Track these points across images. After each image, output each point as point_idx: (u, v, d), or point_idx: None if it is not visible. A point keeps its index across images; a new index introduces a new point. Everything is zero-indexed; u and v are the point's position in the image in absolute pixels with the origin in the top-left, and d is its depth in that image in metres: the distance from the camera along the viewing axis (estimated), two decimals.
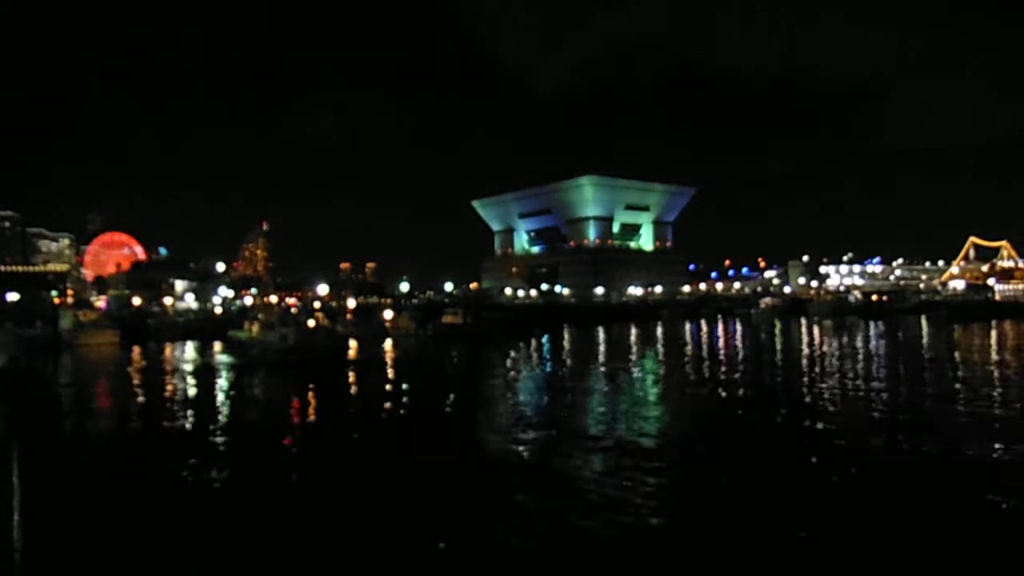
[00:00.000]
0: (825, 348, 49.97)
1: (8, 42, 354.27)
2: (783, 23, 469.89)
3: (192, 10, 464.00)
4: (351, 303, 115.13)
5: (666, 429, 22.10)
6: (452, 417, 25.31)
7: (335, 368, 40.07)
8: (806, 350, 49.16)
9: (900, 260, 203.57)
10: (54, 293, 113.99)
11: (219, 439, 21.62)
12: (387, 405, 28.25)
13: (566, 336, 72.36)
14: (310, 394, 31.72)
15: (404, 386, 34.14)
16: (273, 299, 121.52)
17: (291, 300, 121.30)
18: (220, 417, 26.07)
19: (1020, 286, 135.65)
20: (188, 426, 24.05)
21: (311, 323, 52.64)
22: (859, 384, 29.91)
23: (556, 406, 27.27)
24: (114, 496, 15.16)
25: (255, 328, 51.08)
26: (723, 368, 38.25)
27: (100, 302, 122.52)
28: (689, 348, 53.70)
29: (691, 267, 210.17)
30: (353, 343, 59.99)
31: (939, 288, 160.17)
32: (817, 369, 36.27)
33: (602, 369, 39.31)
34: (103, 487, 16.05)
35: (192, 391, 33.58)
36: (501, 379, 35.88)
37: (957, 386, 29.14)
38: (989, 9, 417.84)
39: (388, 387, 34.08)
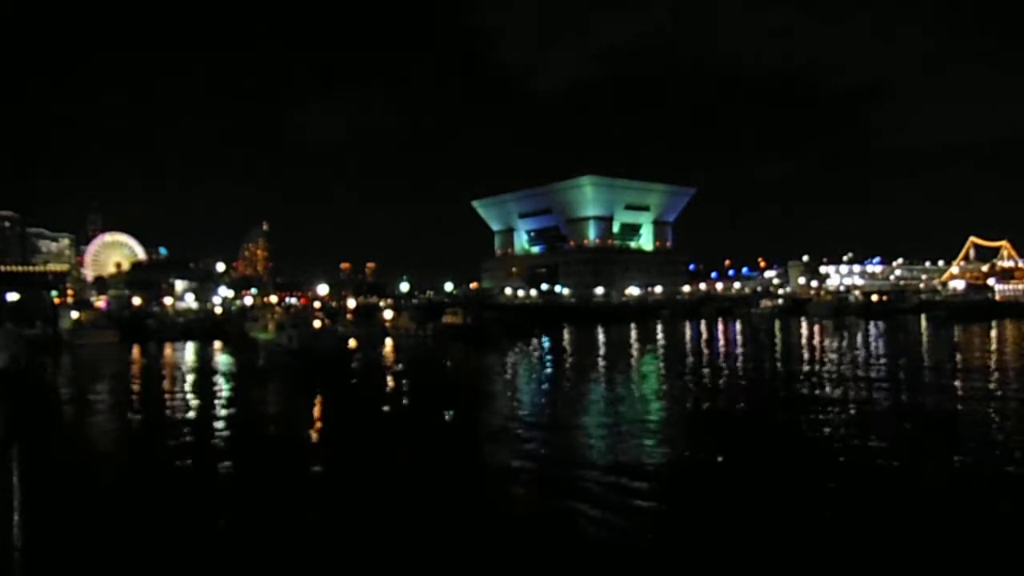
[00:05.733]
0: (824, 349, 49.94)
1: (9, 42, 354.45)
2: (784, 23, 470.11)
3: (191, 11, 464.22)
4: (351, 303, 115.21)
5: (667, 444, 22.03)
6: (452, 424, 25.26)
7: (338, 371, 39.72)
8: (806, 351, 49.13)
9: (900, 260, 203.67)
10: (54, 293, 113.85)
11: (218, 445, 21.63)
12: (386, 413, 28.21)
13: (566, 336, 72.35)
14: (313, 399, 31.68)
15: (404, 392, 34.18)
16: (273, 299, 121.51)
17: (303, 299, 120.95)
18: (220, 422, 26.05)
19: (1020, 286, 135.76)
20: (191, 431, 24.03)
21: (316, 324, 52.22)
22: (855, 381, 29.93)
23: (555, 411, 27.24)
24: (114, 496, 15.17)
25: (272, 328, 51.03)
26: (723, 372, 38.25)
27: (100, 302, 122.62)
28: (689, 348, 53.68)
29: (691, 267, 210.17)
30: (353, 343, 59.87)
31: (939, 288, 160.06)
32: (817, 369, 36.26)
33: (602, 372, 39.24)
34: (103, 488, 16.05)
35: (193, 397, 33.58)
36: (501, 381, 35.88)
37: (952, 374, 29.16)
38: (990, 9, 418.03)
39: (389, 393, 34.12)
